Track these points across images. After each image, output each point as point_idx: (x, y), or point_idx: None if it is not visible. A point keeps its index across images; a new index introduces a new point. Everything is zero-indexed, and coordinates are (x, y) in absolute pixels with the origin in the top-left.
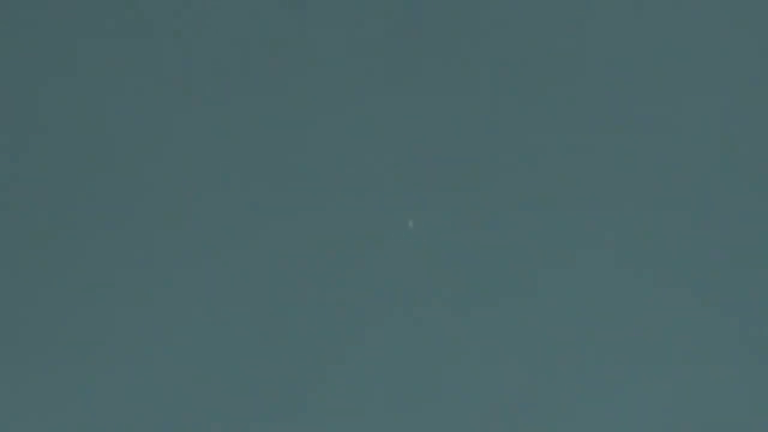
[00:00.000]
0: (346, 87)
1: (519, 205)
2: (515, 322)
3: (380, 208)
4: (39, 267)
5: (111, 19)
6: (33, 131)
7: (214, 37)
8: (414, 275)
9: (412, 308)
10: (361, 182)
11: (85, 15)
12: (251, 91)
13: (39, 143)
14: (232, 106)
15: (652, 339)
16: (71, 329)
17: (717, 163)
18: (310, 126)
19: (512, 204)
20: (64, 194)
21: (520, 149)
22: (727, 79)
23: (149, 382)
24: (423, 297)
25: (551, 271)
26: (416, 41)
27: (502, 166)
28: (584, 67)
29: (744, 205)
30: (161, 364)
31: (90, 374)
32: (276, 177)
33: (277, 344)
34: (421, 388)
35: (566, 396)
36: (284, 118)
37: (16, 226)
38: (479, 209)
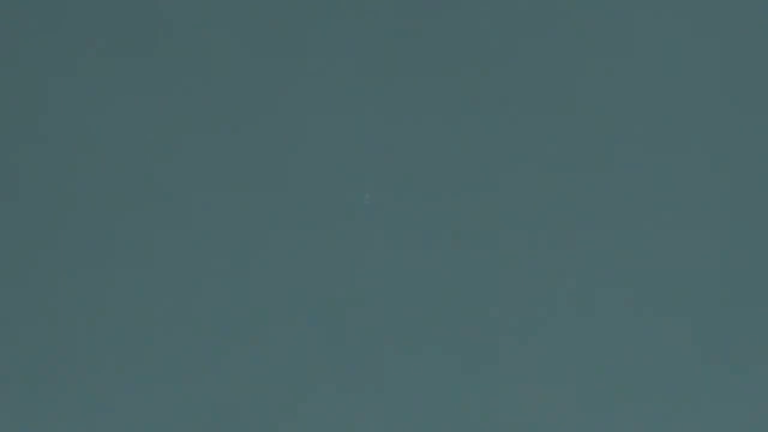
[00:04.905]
0: (343, 95)
1: (523, 242)
2: (518, 371)
3: (378, 226)
4: (38, 269)
5: (110, 22)
6: (33, 132)
7: (212, 38)
8: (414, 313)
9: (412, 349)
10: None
11: (85, 18)
12: (250, 92)
13: (39, 144)
14: (231, 109)
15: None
16: (70, 331)
17: (734, 200)
18: (302, 141)
19: (515, 242)
20: (65, 196)
21: (529, 183)
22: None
23: (147, 383)
24: (423, 338)
25: (554, 316)
26: (410, 54)
27: (507, 196)
28: (606, 95)
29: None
30: (160, 366)
31: (90, 376)
32: (270, 183)
33: (272, 359)
34: None
35: None
36: (281, 121)
37: (15, 227)
38: (481, 244)
